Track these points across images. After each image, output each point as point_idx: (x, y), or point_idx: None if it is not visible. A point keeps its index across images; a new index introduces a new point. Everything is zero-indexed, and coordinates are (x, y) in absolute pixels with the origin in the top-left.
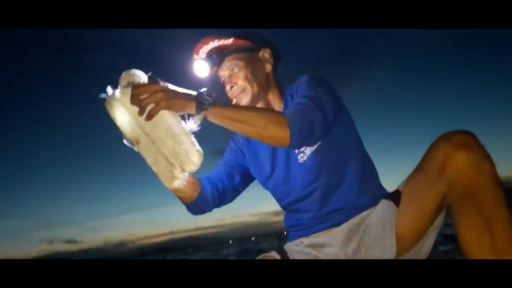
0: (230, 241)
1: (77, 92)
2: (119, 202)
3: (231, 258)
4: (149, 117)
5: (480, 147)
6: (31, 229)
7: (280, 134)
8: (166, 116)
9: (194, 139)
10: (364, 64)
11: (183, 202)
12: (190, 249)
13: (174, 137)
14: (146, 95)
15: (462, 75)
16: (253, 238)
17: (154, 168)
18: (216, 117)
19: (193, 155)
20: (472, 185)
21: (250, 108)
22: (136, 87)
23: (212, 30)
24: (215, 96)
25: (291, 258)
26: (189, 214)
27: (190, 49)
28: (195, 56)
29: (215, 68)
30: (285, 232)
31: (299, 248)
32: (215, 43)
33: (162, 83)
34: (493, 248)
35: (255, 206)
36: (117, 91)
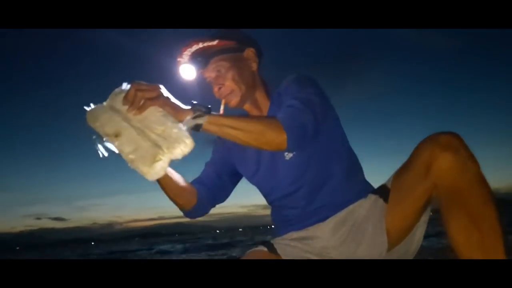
0: (218, 231)
1: (69, 70)
2: (109, 183)
3: (219, 248)
4: (141, 109)
5: (465, 148)
6: (18, 203)
7: (277, 139)
8: (158, 110)
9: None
10: (358, 64)
11: (183, 210)
12: (177, 235)
13: (165, 124)
14: (145, 88)
15: (452, 77)
16: (240, 230)
17: (131, 156)
18: (213, 124)
19: (185, 137)
20: (458, 185)
21: (245, 116)
22: (136, 82)
23: (197, 30)
24: (208, 107)
25: (278, 251)
26: None
27: (176, 50)
28: (179, 60)
29: (201, 70)
30: (271, 226)
31: (286, 242)
32: (199, 45)
33: (162, 87)
34: (482, 246)
35: (245, 198)
36: (105, 102)
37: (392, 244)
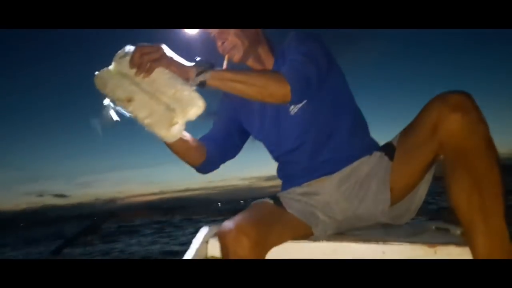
0: (219, 204)
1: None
2: (110, 158)
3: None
4: (149, 71)
5: (475, 109)
6: (21, 181)
7: (280, 91)
8: (165, 72)
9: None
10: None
11: (192, 166)
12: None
13: (175, 86)
14: (150, 51)
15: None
16: (242, 202)
17: (147, 121)
18: (217, 79)
19: (197, 99)
20: (464, 146)
21: (248, 70)
22: (140, 46)
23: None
24: (211, 62)
25: (284, 204)
26: (179, 175)
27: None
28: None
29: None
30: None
31: (292, 196)
32: None
33: (165, 47)
34: (482, 208)
35: (246, 170)
36: (111, 66)
37: (394, 200)
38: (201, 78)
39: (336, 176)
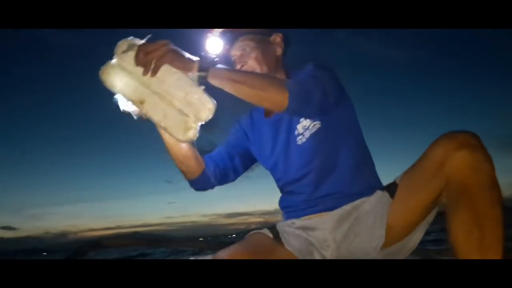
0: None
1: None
2: (62, 190)
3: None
4: (155, 71)
5: (482, 148)
6: None
7: (278, 97)
8: (172, 72)
9: (203, 89)
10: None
11: (187, 178)
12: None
13: (184, 88)
14: (152, 49)
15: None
16: (201, 239)
17: (163, 124)
18: (217, 78)
19: (207, 102)
20: (469, 183)
21: (251, 71)
22: (142, 45)
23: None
24: (216, 60)
25: (281, 237)
26: (136, 209)
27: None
28: (209, 34)
29: (227, 46)
30: (231, 235)
31: (291, 229)
32: None
33: (166, 42)
34: (481, 246)
35: (206, 207)
36: (114, 59)
37: (391, 240)
38: (202, 73)
39: (337, 212)
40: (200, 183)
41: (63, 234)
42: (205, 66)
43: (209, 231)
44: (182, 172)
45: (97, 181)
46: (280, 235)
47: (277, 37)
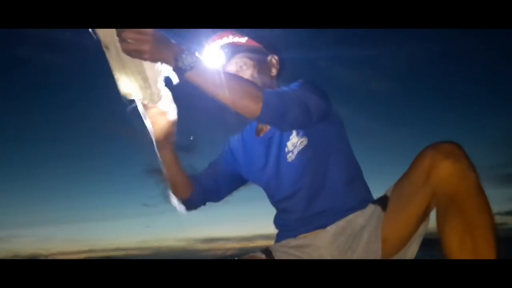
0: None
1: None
2: (34, 212)
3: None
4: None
5: (466, 157)
6: None
7: (252, 105)
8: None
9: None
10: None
11: (179, 197)
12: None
13: (150, 76)
14: (135, 38)
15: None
16: None
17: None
18: (197, 76)
19: (158, 96)
20: (456, 192)
21: (230, 76)
22: (128, 31)
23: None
24: (197, 60)
25: (276, 258)
26: (110, 233)
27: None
28: (207, 45)
29: (223, 61)
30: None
31: (285, 250)
32: (229, 39)
33: (154, 32)
34: (474, 253)
35: (181, 232)
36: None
37: (387, 254)
38: (180, 64)
39: (331, 229)
40: (187, 205)
41: (33, 257)
42: (181, 69)
43: (186, 256)
44: (172, 192)
45: (68, 203)
46: (274, 255)
47: (273, 59)
